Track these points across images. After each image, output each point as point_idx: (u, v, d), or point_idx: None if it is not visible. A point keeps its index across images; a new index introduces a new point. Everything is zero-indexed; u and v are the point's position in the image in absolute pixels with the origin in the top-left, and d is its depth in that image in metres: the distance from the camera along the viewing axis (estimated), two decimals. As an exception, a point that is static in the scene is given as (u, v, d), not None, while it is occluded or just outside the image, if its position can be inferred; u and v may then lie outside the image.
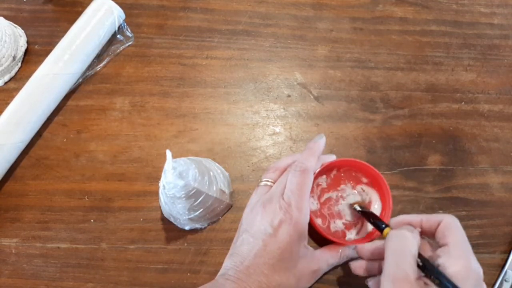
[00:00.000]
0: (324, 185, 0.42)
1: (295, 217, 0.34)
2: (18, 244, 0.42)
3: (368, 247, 0.33)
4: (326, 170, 0.42)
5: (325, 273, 0.38)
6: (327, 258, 0.37)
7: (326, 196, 0.41)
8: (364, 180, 0.42)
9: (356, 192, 0.42)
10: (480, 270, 0.26)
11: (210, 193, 0.38)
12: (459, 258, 0.27)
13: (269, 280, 0.33)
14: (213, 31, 0.52)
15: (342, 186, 0.42)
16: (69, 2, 0.52)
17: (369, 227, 0.41)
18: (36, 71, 0.46)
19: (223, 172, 0.44)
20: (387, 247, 0.29)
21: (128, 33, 0.51)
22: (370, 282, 0.33)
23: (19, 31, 0.50)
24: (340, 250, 0.38)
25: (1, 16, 0.48)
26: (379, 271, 0.32)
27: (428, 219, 0.31)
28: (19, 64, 0.49)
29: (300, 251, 0.34)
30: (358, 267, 0.34)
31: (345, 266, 0.40)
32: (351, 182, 0.42)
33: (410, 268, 0.27)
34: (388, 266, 0.28)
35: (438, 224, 0.29)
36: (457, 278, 0.26)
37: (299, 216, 0.34)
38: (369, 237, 0.39)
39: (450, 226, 0.28)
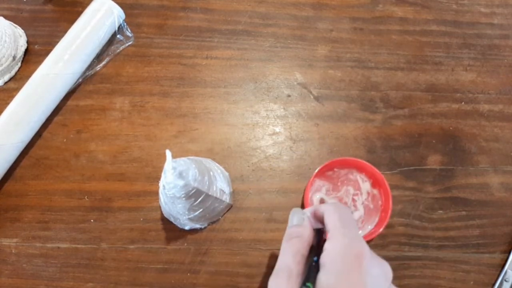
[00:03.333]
0: (326, 186, 0.42)
1: None
2: (18, 244, 0.42)
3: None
4: (327, 170, 0.42)
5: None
6: None
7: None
8: (365, 179, 0.42)
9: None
10: (358, 248, 0.27)
11: (210, 193, 0.38)
12: (334, 240, 0.27)
13: None
14: (213, 31, 0.52)
15: (345, 187, 0.42)
16: (69, 2, 0.52)
17: (370, 225, 0.41)
18: (36, 71, 0.46)
19: (223, 172, 0.44)
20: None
21: (128, 33, 0.51)
22: None
23: (19, 31, 0.50)
24: None
25: (1, 16, 0.48)
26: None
27: (316, 210, 0.31)
28: (19, 64, 0.49)
29: None
30: None
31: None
32: (352, 183, 0.42)
33: (292, 259, 0.28)
34: (278, 259, 0.29)
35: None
36: (331, 256, 0.27)
37: None
38: (369, 236, 0.39)
39: (326, 214, 0.30)
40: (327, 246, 0.27)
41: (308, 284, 0.26)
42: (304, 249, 0.29)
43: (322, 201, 0.41)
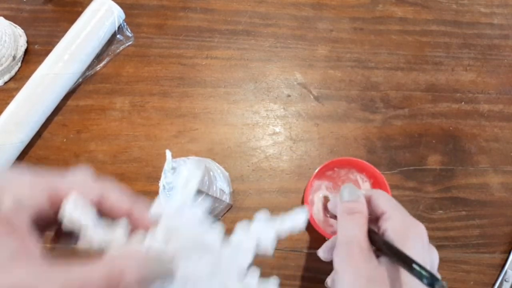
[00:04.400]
0: (326, 184, 0.42)
1: None
2: (18, 244, 0.42)
3: (325, 246, 0.33)
4: (326, 169, 0.42)
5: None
6: None
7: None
8: (365, 179, 0.42)
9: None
10: (417, 227, 0.28)
11: (210, 193, 0.38)
12: (395, 218, 0.28)
13: None
14: (213, 31, 0.52)
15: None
16: (69, 2, 0.52)
17: None
18: (36, 71, 0.46)
19: (223, 172, 0.44)
20: (338, 219, 0.30)
21: (128, 33, 0.51)
22: (328, 280, 0.32)
23: (19, 31, 0.50)
24: None
25: (1, 16, 0.48)
26: None
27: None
28: (19, 64, 0.49)
29: None
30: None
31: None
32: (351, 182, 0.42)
33: (360, 233, 0.28)
34: (340, 232, 0.29)
35: (370, 200, 0.31)
36: (397, 234, 0.27)
37: None
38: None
39: (380, 198, 0.30)
40: (388, 226, 0.28)
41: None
42: (366, 225, 0.29)
43: (325, 199, 0.41)
